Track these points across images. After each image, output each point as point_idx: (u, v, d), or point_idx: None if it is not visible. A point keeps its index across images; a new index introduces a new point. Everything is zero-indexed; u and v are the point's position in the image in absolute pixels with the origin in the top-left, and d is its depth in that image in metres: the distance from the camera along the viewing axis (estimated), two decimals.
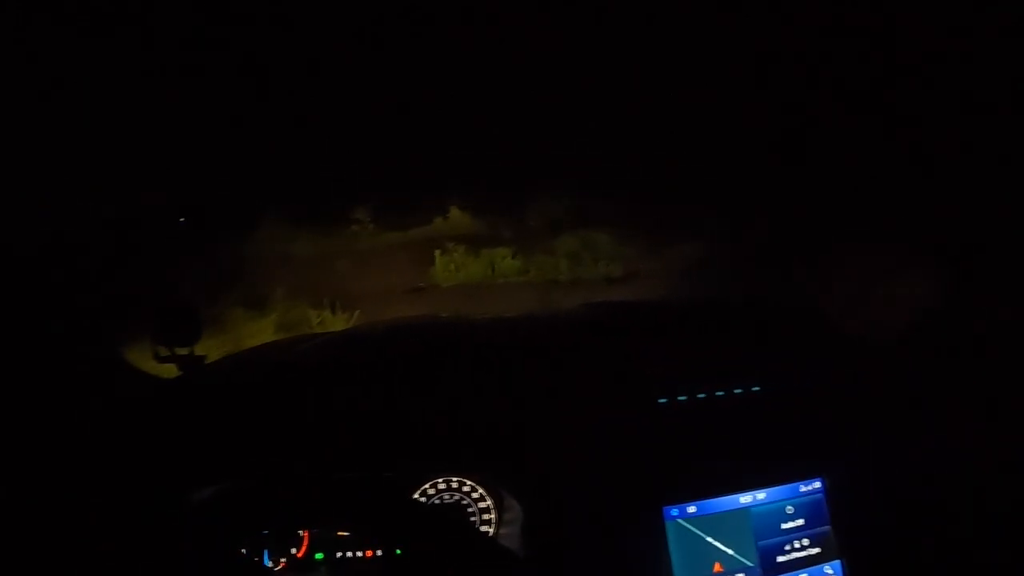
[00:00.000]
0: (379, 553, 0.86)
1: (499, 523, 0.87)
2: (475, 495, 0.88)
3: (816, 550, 0.85)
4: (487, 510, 0.87)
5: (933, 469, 0.87)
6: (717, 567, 0.82)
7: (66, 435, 0.84)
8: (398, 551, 0.85)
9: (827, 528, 0.86)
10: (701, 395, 0.88)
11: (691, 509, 0.83)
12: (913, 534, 0.84)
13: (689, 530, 0.83)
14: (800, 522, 0.85)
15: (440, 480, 0.88)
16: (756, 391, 0.89)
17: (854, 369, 0.94)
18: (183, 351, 0.96)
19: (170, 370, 0.97)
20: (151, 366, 0.97)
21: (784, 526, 0.85)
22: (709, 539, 0.83)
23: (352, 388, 0.89)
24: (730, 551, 0.83)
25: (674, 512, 0.83)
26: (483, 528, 0.86)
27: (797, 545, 0.85)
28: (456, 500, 0.88)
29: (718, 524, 0.84)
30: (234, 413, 0.89)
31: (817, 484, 0.87)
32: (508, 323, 1.02)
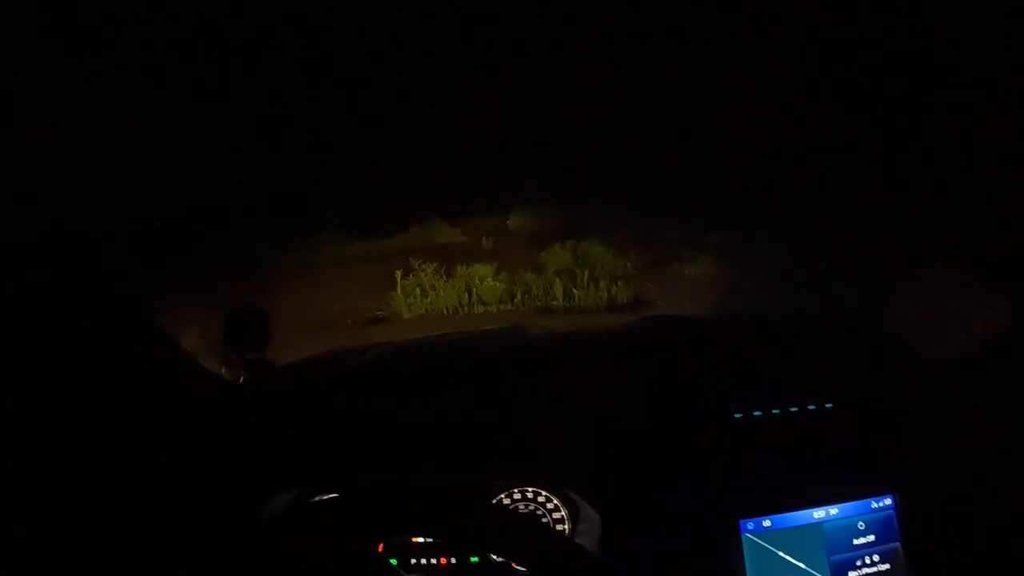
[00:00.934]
0: (453, 560, 0.87)
1: (573, 534, 0.87)
2: (549, 506, 0.89)
3: (886, 566, 0.86)
4: (561, 521, 0.88)
5: (1003, 488, 0.88)
6: None
7: (135, 439, 0.84)
8: (473, 558, 0.87)
9: (897, 545, 0.87)
10: (775, 411, 0.89)
11: (766, 523, 0.84)
12: (982, 552, 0.85)
13: (763, 545, 0.84)
14: (871, 538, 0.86)
15: (515, 490, 0.89)
16: (829, 407, 0.90)
17: (924, 387, 0.94)
18: (252, 356, 0.96)
19: (238, 375, 0.98)
20: (221, 370, 0.97)
21: (856, 542, 0.86)
22: (782, 554, 0.84)
23: (425, 396, 0.90)
24: (803, 565, 0.84)
25: (750, 526, 0.84)
26: None
27: (868, 561, 0.86)
28: (531, 511, 0.88)
29: (792, 539, 0.85)
30: (307, 420, 0.89)
31: (888, 501, 0.88)
32: (583, 336, 1.03)
